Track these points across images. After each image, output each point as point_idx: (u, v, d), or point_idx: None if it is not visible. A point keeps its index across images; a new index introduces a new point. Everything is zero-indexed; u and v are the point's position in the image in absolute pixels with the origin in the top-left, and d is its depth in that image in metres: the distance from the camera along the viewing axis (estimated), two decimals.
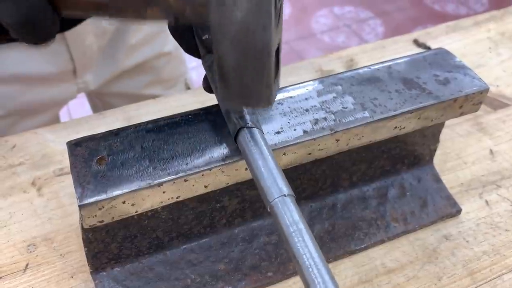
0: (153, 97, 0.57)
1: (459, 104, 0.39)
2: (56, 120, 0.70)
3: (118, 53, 0.65)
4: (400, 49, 0.63)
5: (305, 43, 2.02)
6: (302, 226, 0.27)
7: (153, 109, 0.54)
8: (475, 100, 0.40)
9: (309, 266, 0.25)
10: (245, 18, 0.25)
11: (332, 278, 0.25)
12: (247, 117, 0.31)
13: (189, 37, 0.34)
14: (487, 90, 0.39)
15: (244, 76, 0.27)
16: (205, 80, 0.35)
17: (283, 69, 0.60)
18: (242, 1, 0.24)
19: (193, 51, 0.35)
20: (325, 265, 0.25)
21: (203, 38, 0.33)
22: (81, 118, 0.53)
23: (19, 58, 0.56)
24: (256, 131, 0.31)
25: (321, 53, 1.92)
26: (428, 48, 0.64)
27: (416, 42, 0.65)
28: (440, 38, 0.66)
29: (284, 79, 0.58)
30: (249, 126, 0.31)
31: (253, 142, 0.30)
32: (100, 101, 0.75)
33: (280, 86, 0.38)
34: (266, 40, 0.25)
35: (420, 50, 0.63)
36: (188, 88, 0.78)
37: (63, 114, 1.62)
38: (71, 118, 1.39)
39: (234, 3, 0.24)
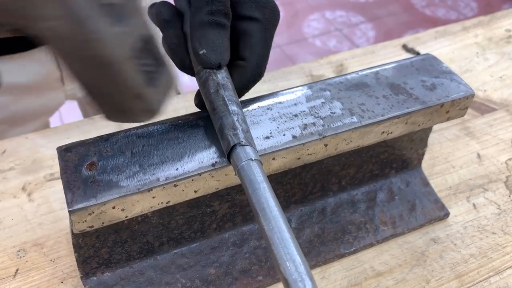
0: None
1: (445, 109, 0.40)
2: (46, 127, 0.70)
3: None
4: (389, 54, 0.64)
5: (297, 47, 2.03)
6: (265, 185, 0.28)
7: None
8: (462, 105, 0.40)
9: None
10: (64, 28, 0.21)
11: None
12: (241, 135, 0.31)
13: (183, 53, 0.34)
14: (473, 95, 0.40)
15: (105, 91, 0.24)
16: (198, 96, 0.35)
17: (274, 74, 0.60)
18: (54, 8, 0.21)
19: (186, 68, 0.35)
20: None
21: (200, 52, 0.33)
22: (72, 123, 0.53)
23: (6, 68, 0.56)
24: (249, 149, 0.30)
25: (313, 57, 1.94)
26: (417, 53, 0.64)
27: (405, 47, 0.65)
28: (429, 43, 0.67)
29: (274, 83, 0.59)
30: (243, 144, 0.30)
31: (248, 164, 0.29)
32: (91, 107, 0.75)
33: (270, 91, 0.39)
34: (100, 47, 0.22)
35: (409, 55, 0.64)
36: (178, 93, 0.78)
37: (55, 119, 1.61)
38: (62, 123, 1.39)
39: (47, 12, 0.21)
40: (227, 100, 0.32)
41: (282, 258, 0.25)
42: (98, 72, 0.23)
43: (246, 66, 0.35)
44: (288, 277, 0.25)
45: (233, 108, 0.32)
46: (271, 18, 0.35)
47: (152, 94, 0.26)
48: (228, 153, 0.31)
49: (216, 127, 0.32)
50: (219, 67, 0.33)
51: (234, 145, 0.30)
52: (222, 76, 0.33)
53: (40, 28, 0.22)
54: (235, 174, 0.30)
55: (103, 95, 0.25)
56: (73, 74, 0.24)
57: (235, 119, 0.31)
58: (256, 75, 0.35)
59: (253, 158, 0.29)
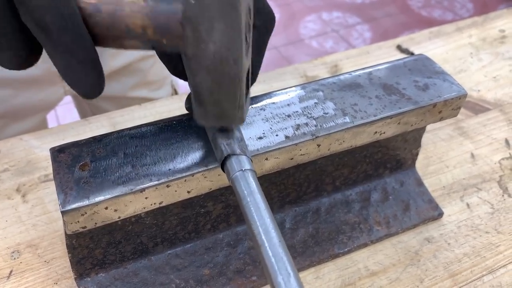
0: (139, 99, 0.57)
1: (438, 109, 0.40)
2: (44, 123, 0.71)
3: (104, 55, 0.65)
4: (383, 55, 0.64)
5: (294, 48, 2.03)
6: (258, 195, 0.28)
7: (139, 115, 0.54)
8: (454, 105, 0.41)
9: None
10: (218, 51, 0.27)
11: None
12: (235, 144, 0.31)
13: (177, 60, 0.34)
14: (465, 95, 0.40)
15: (219, 101, 0.29)
16: (188, 100, 0.35)
17: (268, 74, 0.61)
18: (216, 36, 0.26)
19: (180, 73, 0.35)
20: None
21: None
22: (66, 124, 0.53)
23: None
24: (243, 158, 0.30)
25: (310, 58, 1.94)
26: (411, 54, 0.65)
27: (400, 48, 0.66)
28: (423, 43, 0.67)
29: (269, 84, 0.59)
30: (238, 153, 0.30)
31: (242, 175, 0.29)
32: (87, 104, 0.75)
33: (264, 92, 0.39)
34: (238, 70, 0.27)
35: (403, 55, 0.65)
36: (175, 90, 0.78)
37: (52, 120, 1.61)
38: (59, 124, 1.38)
39: (209, 37, 0.26)
40: None
41: (274, 273, 0.25)
42: (224, 87, 0.28)
43: None
44: None
45: None
46: (266, 24, 0.34)
47: (246, 107, 0.32)
48: (221, 163, 0.31)
49: (210, 135, 0.32)
50: None
51: (228, 155, 0.30)
52: None
53: (196, 49, 0.27)
54: (230, 184, 0.30)
55: (215, 103, 0.29)
56: (195, 85, 0.28)
57: None
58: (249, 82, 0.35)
59: (245, 169, 0.29)
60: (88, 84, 0.28)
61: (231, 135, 0.31)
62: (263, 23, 0.34)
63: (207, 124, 0.31)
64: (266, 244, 0.26)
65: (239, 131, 0.32)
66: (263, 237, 0.26)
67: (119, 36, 0.28)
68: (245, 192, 0.28)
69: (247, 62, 0.30)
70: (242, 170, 0.29)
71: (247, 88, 0.31)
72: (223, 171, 0.31)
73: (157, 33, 0.27)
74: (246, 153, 0.31)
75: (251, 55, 0.31)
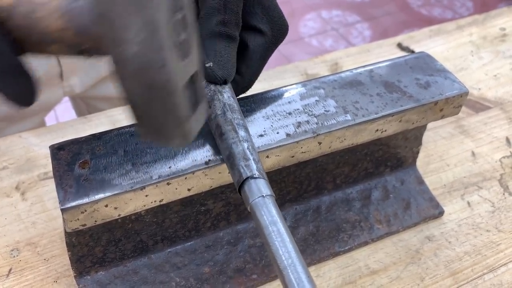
0: None
1: (439, 107, 0.40)
2: (42, 125, 0.70)
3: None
4: (384, 53, 0.64)
5: (294, 47, 2.03)
6: (280, 226, 0.27)
7: None
8: (456, 103, 0.40)
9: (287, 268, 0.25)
10: (140, 54, 0.22)
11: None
12: (254, 166, 0.29)
13: None
14: (467, 93, 0.40)
15: (152, 113, 0.25)
16: None
17: (269, 72, 0.60)
18: (134, 34, 0.22)
19: None
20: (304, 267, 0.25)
21: (207, 65, 0.31)
22: (65, 122, 0.53)
23: None
24: (262, 182, 0.29)
25: (309, 56, 1.94)
26: (412, 52, 0.64)
27: (400, 46, 0.65)
28: (424, 42, 0.67)
29: (269, 82, 0.59)
30: (256, 176, 0.29)
31: (262, 201, 0.28)
32: (85, 104, 0.75)
33: (265, 89, 0.39)
34: (167, 76, 0.23)
35: (404, 53, 0.64)
36: None
37: (51, 119, 1.61)
38: (58, 122, 1.37)
39: (127, 36, 0.22)
40: (235, 125, 0.31)
41: None
42: (156, 97, 0.24)
43: (239, 81, 0.33)
44: None
45: (242, 133, 0.31)
46: (278, 34, 0.33)
47: (191, 124, 0.27)
48: (239, 186, 0.29)
49: (224, 154, 0.31)
50: (224, 82, 0.32)
51: (247, 178, 0.29)
52: (228, 95, 0.32)
53: (117, 52, 0.23)
54: (248, 209, 0.29)
55: (150, 117, 0.25)
56: (126, 95, 0.24)
57: (246, 146, 0.30)
58: (245, 89, 0.34)
59: (265, 195, 0.28)
60: (17, 93, 0.25)
61: (248, 156, 0.30)
62: (273, 32, 0.33)
63: (148, 140, 0.28)
64: (294, 282, 0.25)
65: (255, 151, 0.30)
66: (289, 273, 0.25)
67: (39, 41, 0.24)
68: (267, 221, 0.27)
69: (185, 66, 0.25)
70: (262, 196, 0.28)
71: (196, 100, 0.27)
72: (240, 193, 0.29)
73: (77, 35, 0.24)
74: (264, 175, 0.29)
75: (198, 56, 0.27)
